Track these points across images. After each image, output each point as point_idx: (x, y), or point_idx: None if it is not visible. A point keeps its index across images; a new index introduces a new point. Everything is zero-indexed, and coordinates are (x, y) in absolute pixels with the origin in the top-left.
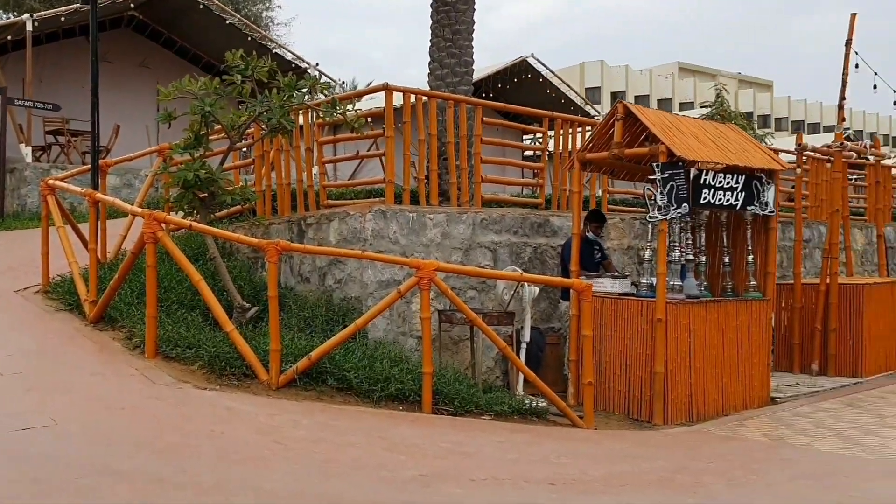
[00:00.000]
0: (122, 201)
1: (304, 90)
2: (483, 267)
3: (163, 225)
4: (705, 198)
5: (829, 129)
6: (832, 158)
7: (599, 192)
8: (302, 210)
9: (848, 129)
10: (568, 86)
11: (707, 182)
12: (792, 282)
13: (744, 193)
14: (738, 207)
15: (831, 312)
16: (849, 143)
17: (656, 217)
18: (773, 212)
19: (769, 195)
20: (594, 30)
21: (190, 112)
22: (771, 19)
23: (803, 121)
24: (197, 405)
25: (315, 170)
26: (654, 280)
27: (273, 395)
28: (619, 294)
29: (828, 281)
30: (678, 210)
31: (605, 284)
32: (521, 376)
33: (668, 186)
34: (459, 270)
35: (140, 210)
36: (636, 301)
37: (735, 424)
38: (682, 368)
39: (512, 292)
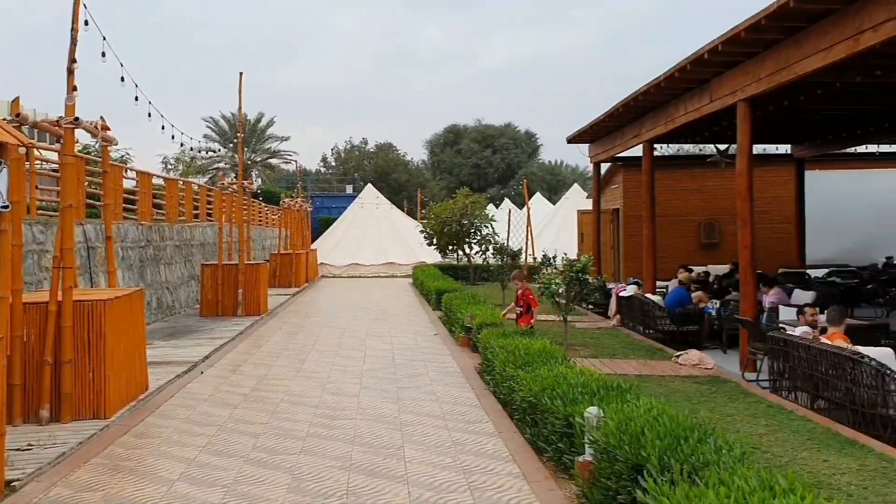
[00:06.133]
0: None
1: None
2: None
3: None
4: None
5: None
6: (62, 139)
7: None
8: None
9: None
10: None
11: None
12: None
13: None
14: None
15: (65, 339)
16: (84, 119)
17: None
18: (6, 206)
19: (1, 182)
20: None
21: None
22: None
23: None
24: None
25: None
26: None
27: None
28: None
29: (60, 298)
30: None
31: None
32: None
33: None
34: None
35: None
36: None
37: None
38: None
39: None
